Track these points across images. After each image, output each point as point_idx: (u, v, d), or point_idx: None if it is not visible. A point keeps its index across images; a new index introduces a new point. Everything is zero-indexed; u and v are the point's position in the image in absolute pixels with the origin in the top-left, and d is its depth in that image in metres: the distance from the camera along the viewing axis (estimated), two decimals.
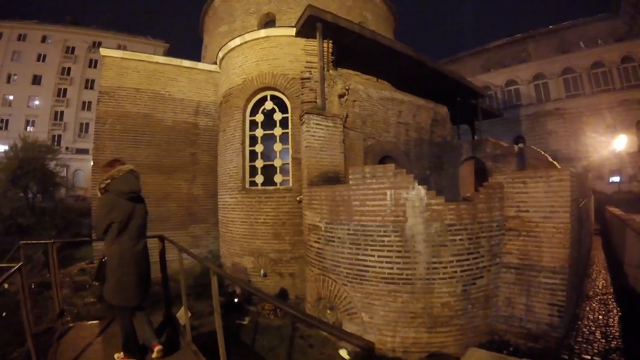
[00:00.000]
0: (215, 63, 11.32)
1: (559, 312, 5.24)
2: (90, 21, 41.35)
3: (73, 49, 37.46)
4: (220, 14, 13.33)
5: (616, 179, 23.09)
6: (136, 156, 10.46)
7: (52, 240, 4.68)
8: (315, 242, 6.70)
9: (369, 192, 5.73)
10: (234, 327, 6.71)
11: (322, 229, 6.47)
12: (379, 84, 11.07)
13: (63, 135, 36.09)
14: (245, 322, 6.97)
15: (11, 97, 35.56)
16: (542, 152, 13.14)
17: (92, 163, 10.23)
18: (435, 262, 5.44)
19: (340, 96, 8.64)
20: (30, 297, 4.69)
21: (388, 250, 5.54)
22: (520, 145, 22.69)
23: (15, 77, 35.71)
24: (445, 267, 5.45)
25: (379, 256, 5.61)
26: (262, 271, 8.43)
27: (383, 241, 5.57)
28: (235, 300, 7.76)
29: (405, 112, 10.80)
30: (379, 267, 5.60)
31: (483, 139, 14.04)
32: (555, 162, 12.59)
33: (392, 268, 5.51)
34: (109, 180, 3.36)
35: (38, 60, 36.39)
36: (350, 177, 5.97)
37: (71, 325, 4.39)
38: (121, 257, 3.34)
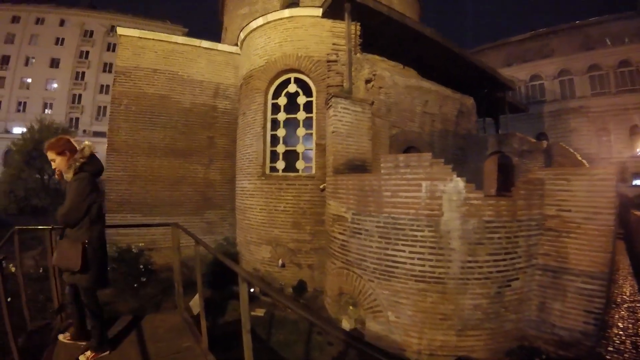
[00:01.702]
0: (235, 45, 10.96)
1: (595, 320, 4.86)
2: (108, 5, 41.06)
3: (91, 32, 37.45)
4: None
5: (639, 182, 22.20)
6: (151, 138, 10.28)
7: (51, 227, 4.16)
8: (340, 233, 6.37)
9: (402, 183, 5.35)
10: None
11: (348, 220, 6.12)
12: (405, 72, 10.58)
13: (80, 118, 36.30)
14: (261, 314, 6.70)
15: (29, 80, 35.73)
16: (570, 150, 12.58)
17: (106, 145, 9.98)
18: (470, 261, 5.08)
19: (367, 81, 8.22)
20: (26, 287, 4.22)
21: (420, 246, 5.17)
22: (545, 141, 21.96)
23: (33, 60, 35.84)
24: (480, 267, 5.09)
25: (410, 252, 5.24)
26: (280, 261, 8.14)
27: (415, 236, 5.20)
28: (252, 290, 7.48)
29: (431, 101, 10.31)
30: (410, 264, 5.23)
31: (510, 133, 13.49)
32: (584, 161, 12.03)
33: (423, 265, 5.15)
34: (84, 159, 3.17)
35: (56, 43, 36.44)
36: (382, 165, 5.57)
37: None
38: (100, 239, 3.28)
